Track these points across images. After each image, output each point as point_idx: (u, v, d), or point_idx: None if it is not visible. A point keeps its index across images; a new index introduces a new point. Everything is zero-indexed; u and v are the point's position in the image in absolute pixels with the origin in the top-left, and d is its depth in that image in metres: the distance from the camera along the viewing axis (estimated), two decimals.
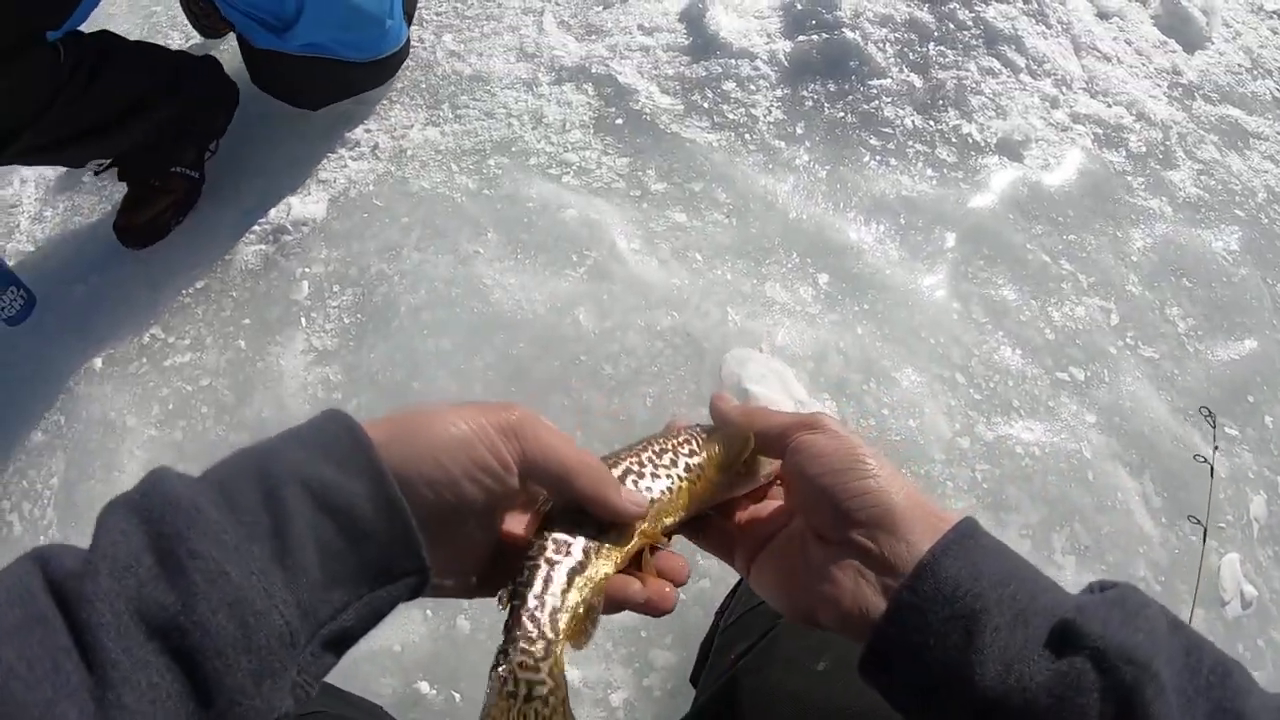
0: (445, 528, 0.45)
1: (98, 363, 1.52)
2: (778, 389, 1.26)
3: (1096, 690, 0.39)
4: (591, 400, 1.28)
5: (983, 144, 1.62)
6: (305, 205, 1.62)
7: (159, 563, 0.36)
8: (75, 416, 1.49)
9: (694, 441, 0.55)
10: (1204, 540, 1.22)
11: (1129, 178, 1.67)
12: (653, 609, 0.50)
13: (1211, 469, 1.26)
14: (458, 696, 1.19)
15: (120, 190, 1.67)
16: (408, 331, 1.40)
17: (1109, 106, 1.75)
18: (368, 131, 1.70)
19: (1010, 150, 1.63)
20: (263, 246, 1.62)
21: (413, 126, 1.67)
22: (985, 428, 1.36)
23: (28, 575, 0.36)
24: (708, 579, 1.21)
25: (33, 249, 1.75)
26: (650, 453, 0.54)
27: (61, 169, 1.86)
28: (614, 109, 1.61)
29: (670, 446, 0.54)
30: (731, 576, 1.20)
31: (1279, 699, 0.40)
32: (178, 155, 1.62)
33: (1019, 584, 0.43)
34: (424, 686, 1.19)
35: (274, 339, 1.51)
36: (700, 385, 1.28)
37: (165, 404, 1.48)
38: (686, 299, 1.33)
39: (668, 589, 0.50)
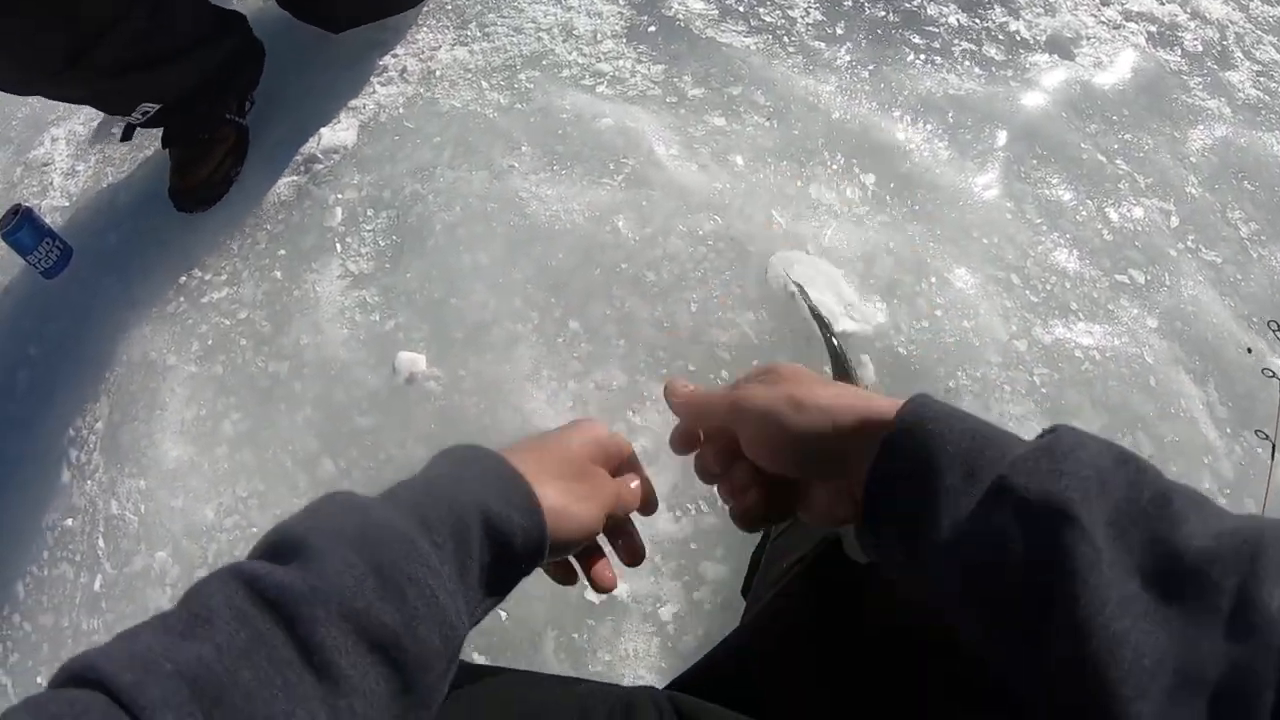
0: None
1: (135, 305, 1.50)
2: (827, 291, 1.19)
3: (1021, 542, 0.40)
4: (635, 308, 1.23)
5: (1031, 42, 1.53)
6: (335, 133, 1.57)
7: (382, 586, 0.41)
8: (116, 360, 1.47)
9: None
10: (1272, 456, 1.14)
11: (1185, 78, 1.57)
12: None
13: None
14: (498, 611, 1.16)
15: (151, 143, 1.63)
16: (443, 249, 1.35)
17: (1162, 4, 1.64)
18: (395, 57, 1.63)
19: (1060, 48, 1.54)
20: (295, 178, 1.58)
21: (440, 48, 1.60)
22: (1043, 330, 1.29)
23: (236, 596, 0.39)
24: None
25: (67, 203, 1.73)
26: None
27: (93, 124, 1.83)
28: (646, 17, 1.53)
29: None
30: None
31: (1216, 522, 0.38)
32: (224, 104, 1.56)
33: (970, 442, 0.44)
34: None
35: (309, 267, 1.47)
36: (745, 289, 1.22)
37: (204, 340, 1.45)
38: (729, 203, 1.26)
39: None
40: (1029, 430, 0.46)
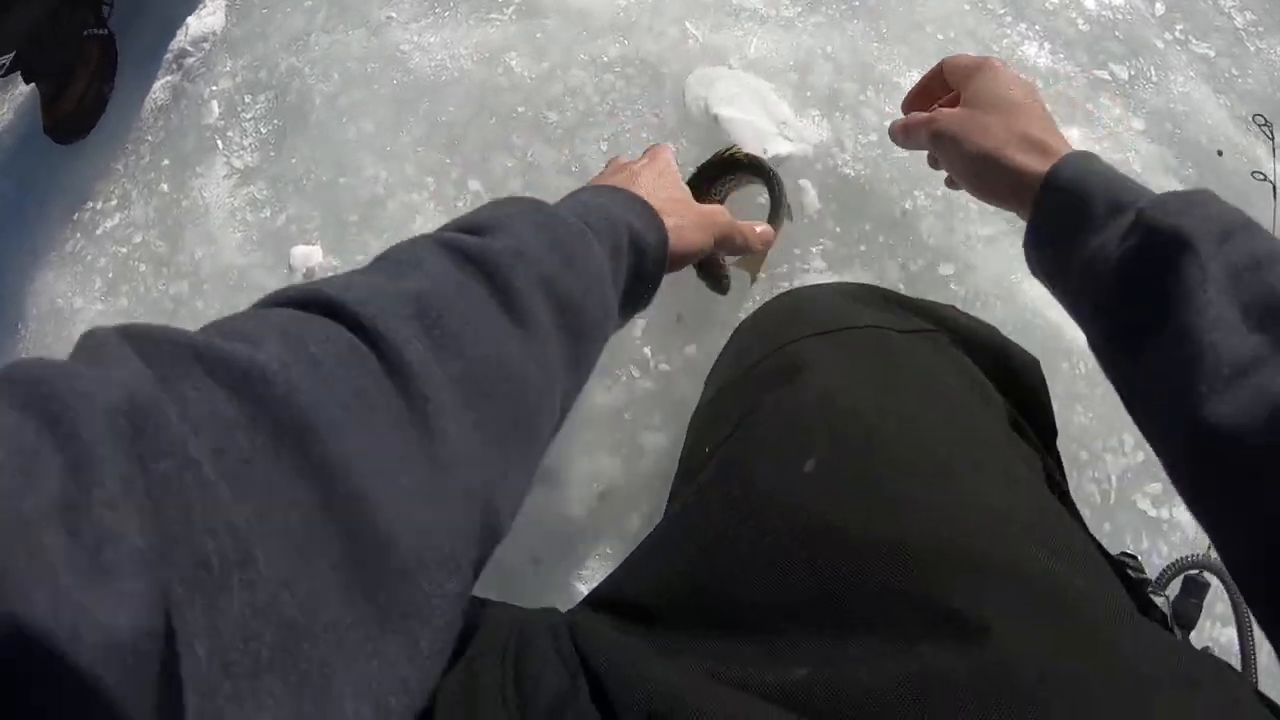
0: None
1: (36, 253, 1.38)
2: (754, 109, 1.02)
3: (1143, 261, 0.48)
4: (540, 155, 1.06)
5: None
6: (202, 20, 1.39)
7: (563, 262, 0.44)
8: (27, 316, 1.36)
9: None
10: None
11: None
12: None
13: (1274, 189, 1.00)
14: None
15: (17, 82, 1.48)
16: (326, 125, 1.18)
17: None
18: None
19: None
20: (169, 78, 1.41)
21: None
22: None
23: (438, 251, 0.40)
24: (694, 344, 1.01)
25: None
26: None
27: None
28: None
29: None
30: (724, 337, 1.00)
31: None
32: (79, 21, 1.40)
33: (1117, 183, 0.53)
34: None
35: (194, 172, 1.32)
36: (662, 116, 1.04)
37: (105, 274, 1.33)
38: (635, 20, 1.08)
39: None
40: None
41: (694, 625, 0.46)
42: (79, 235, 1.38)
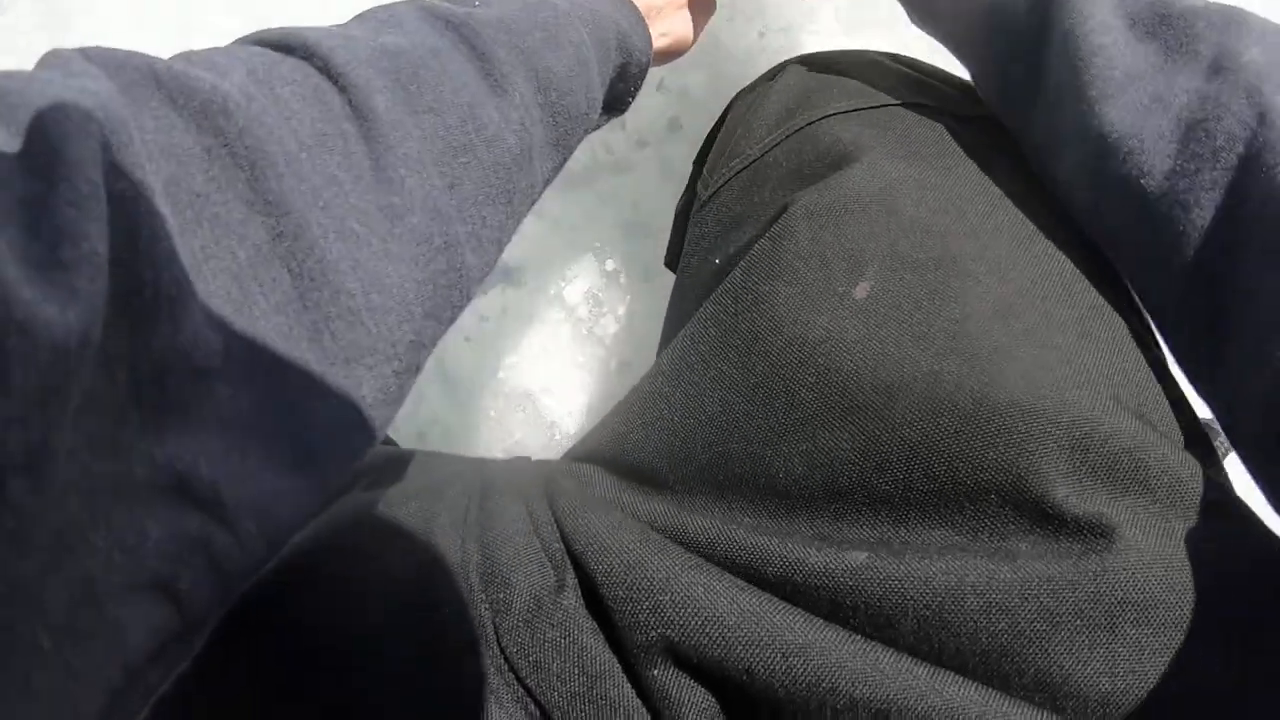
0: None
1: None
2: None
3: None
4: None
5: None
6: None
7: (545, 39, 0.40)
8: None
9: None
10: None
11: None
12: None
13: None
14: None
15: None
16: None
17: None
18: None
19: None
20: None
21: None
22: None
23: (419, 12, 0.38)
24: (670, 96, 0.84)
25: None
26: None
27: None
28: None
29: None
30: (708, 106, 0.82)
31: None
32: None
33: None
34: None
35: None
36: None
37: None
38: None
39: None
40: None
41: (712, 498, 0.36)
42: None
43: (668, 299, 0.87)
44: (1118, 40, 0.39)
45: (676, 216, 0.72)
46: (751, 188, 0.50)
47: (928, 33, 0.54)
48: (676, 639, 0.31)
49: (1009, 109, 0.46)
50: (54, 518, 0.20)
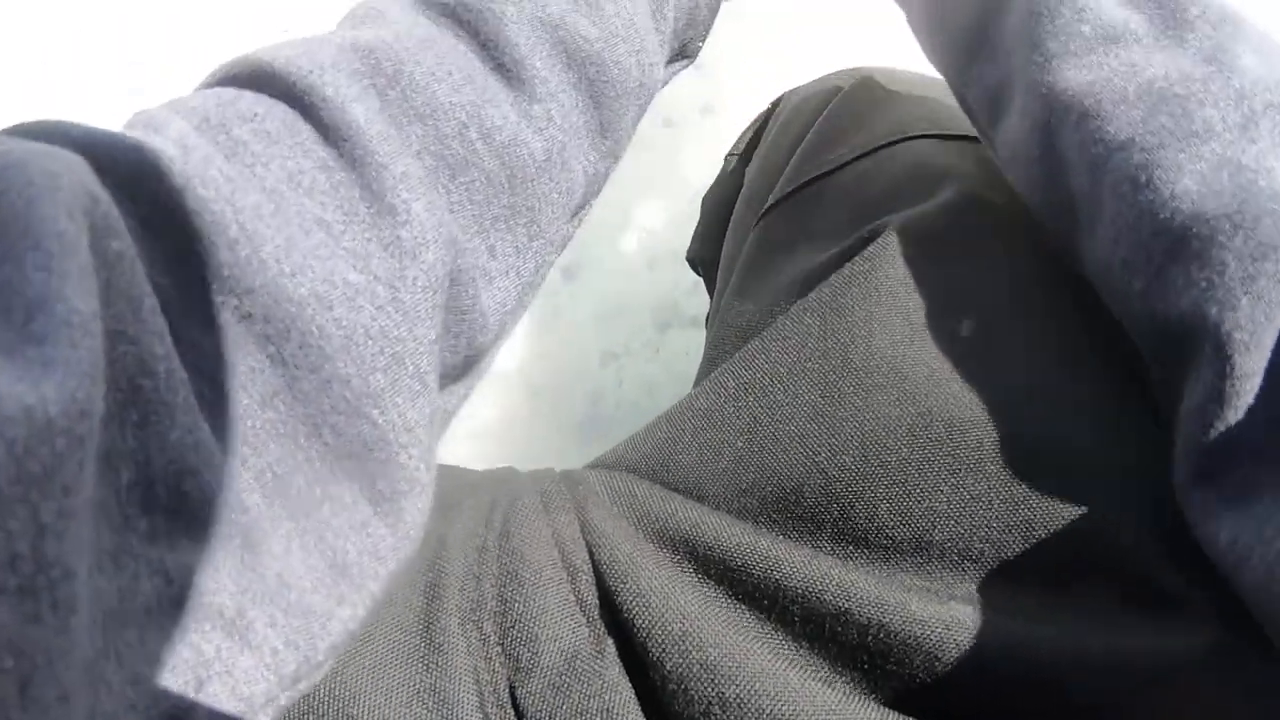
0: None
1: None
2: None
3: None
4: None
5: None
6: None
7: (575, 1, 0.32)
8: None
9: None
10: None
11: None
12: None
13: None
14: None
15: None
16: None
17: None
18: None
19: None
20: None
21: None
22: None
23: (408, 4, 0.31)
24: (695, 80, 0.80)
25: None
26: None
27: None
28: None
29: None
30: (746, 102, 0.78)
31: None
32: None
33: None
34: None
35: None
36: None
37: None
38: None
39: None
40: None
41: (778, 534, 0.32)
42: None
43: (667, 291, 0.82)
44: None
45: (709, 210, 0.67)
46: (827, 199, 0.46)
47: None
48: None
49: (951, 55, 0.41)
50: (56, 648, 0.15)
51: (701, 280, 0.72)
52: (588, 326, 0.82)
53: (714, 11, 0.43)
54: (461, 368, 0.30)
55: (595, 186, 0.36)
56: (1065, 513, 0.30)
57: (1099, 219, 0.32)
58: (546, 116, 0.31)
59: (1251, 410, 0.25)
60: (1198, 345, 0.27)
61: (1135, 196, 0.29)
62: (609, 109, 0.34)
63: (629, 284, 0.82)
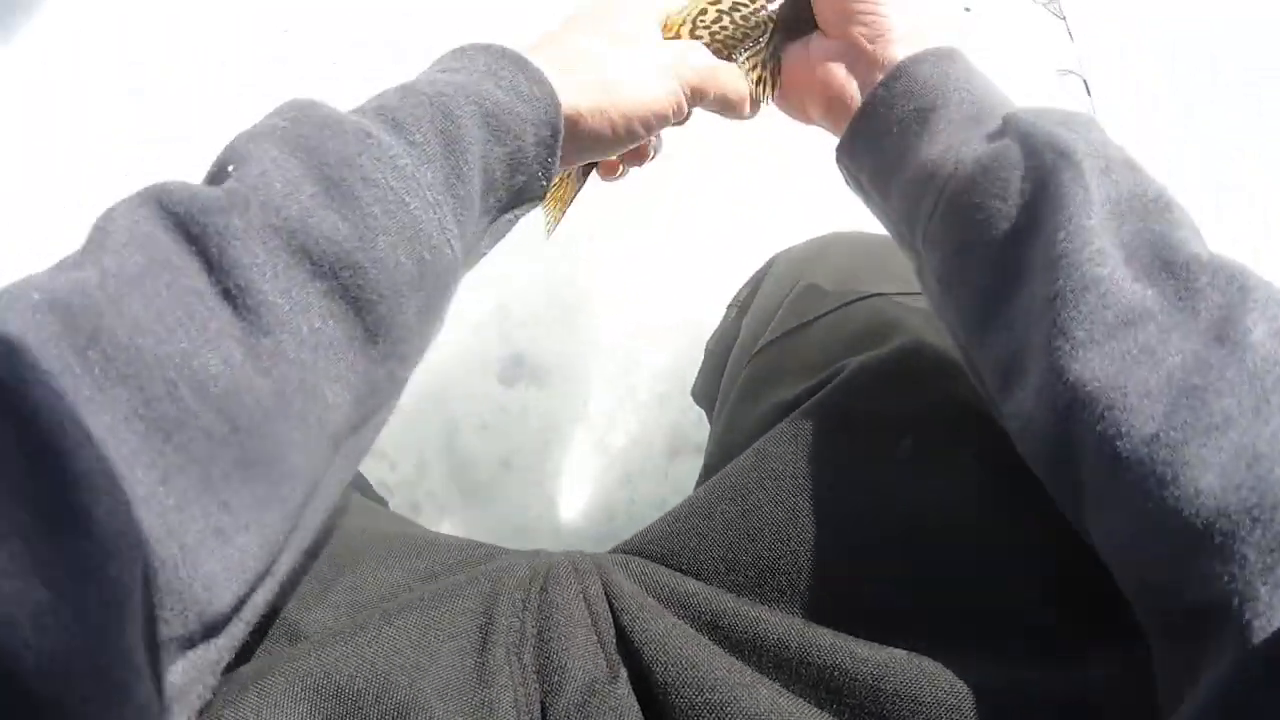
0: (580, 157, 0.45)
1: None
2: None
3: (1019, 168, 0.38)
4: None
5: None
6: None
7: (325, 191, 0.30)
8: None
9: None
10: None
11: None
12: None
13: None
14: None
15: None
16: None
17: None
18: None
19: None
20: None
21: None
22: None
23: (143, 217, 0.28)
24: (710, 261, 0.92)
25: None
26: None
27: None
28: None
29: None
30: (747, 261, 0.91)
31: (1209, 247, 0.35)
32: None
33: (982, 93, 0.43)
34: None
35: None
36: None
37: None
38: None
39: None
40: None
41: (773, 604, 0.40)
42: None
43: (675, 420, 0.92)
44: (1115, 274, 0.34)
45: (712, 352, 0.78)
46: (803, 345, 0.56)
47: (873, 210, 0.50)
48: None
49: (959, 316, 0.41)
50: None
51: (704, 413, 0.82)
52: (607, 453, 0.91)
53: (550, 149, 0.40)
54: (201, 633, 0.27)
55: (380, 396, 0.33)
56: (975, 580, 0.38)
57: (1111, 505, 0.32)
58: (276, 350, 0.28)
59: (1270, 692, 0.26)
60: (1216, 630, 0.28)
61: (1160, 493, 0.30)
62: (375, 312, 0.31)
63: (644, 417, 0.91)
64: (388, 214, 0.32)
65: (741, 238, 0.94)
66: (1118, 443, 0.31)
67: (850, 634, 0.36)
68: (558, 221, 0.53)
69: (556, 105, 0.39)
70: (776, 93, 0.52)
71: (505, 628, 0.38)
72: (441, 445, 0.89)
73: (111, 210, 0.29)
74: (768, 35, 0.51)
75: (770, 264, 0.74)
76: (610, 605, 0.39)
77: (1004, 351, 0.38)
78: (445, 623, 0.37)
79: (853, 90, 0.47)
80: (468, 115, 0.36)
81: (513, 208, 0.40)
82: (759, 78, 0.51)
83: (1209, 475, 0.29)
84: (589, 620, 0.39)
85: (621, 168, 0.54)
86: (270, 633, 0.37)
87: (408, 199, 0.32)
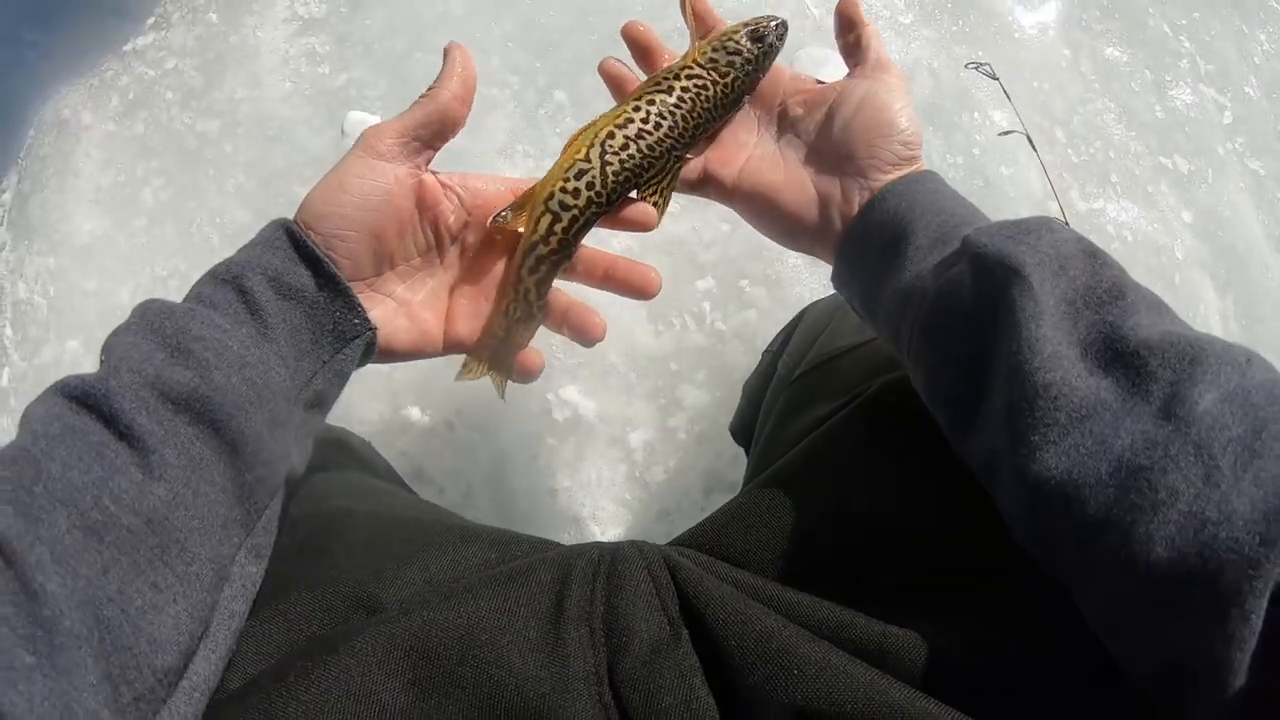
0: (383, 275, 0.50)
1: (50, 57, 1.21)
2: None
3: (974, 290, 0.41)
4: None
5: None
6: None
7: (170, 354, 0.40)
8: (26, 122, 1.19)
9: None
10: None
11: None
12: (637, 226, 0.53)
13: None
14: (455, 423, 0.96)
15: None
16: None
17: None
18: None
19: None
20: None
21: None
22: (1079, 196, 1.13)
23: (51, 403, 0.38)
24: (754, 309, 0.98)
25: None
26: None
27: None
28: None
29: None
30: (783, 311, 0.97)
31: (1166, 324, 0.37)
32: None
33: (948, 215, 0.47)
34: (414, 412, 0.97)
35: (250, 8, 1.20)
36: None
37: (125, 94, 1.16)
38: None
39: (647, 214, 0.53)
40: None
41: (790, 583, 0.44)
42: (104, 48, 1.22)
43: (711, 460, 0.96)
44: (1067, 376, 0.36)
45: (747, 391, 0.83)
46: (835, 372, 0.61)
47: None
48: (783, 684, 0.36)
49: (943, 420, 0.44)
50: None
51: (741, 451, 0.86)
52: (646, 489, 0.94)
53: (343, 377, 0.48)
54: (158, 687, 0.35)
55: (257, 498, 0.41)
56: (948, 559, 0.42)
57: (1085, 583, 0.35)
58: (163, 462, 0.37)
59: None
60: (1190, 677, 0.31)
61: (1118, 571, 0.32)
62: (229, 427, 0.39)
63: (681, 455, 0.95)
64: (215, 354, 0.41)
65: (777, 291, 1.00)
66: (1076, 533, 0.34)
67: (864, 610, 0.40)
68: (503, 385, 0.54)
69: (325, 265, 0.46)
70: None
71: (577, 596, 0.42)
72: (489, 474, 0.93)
73: (30, 405, 0.39)
74: (671, 171, 0.53)
75: (802, 314, 0.80)
76: (672, 576, 0.43)
77: (980, 457, 0.41)
78: (523, 594, 0.42)
79: (836, 223, 0.51)
80: (259, 283, 0.44)
81: (341, 347, 0.47)
82: (655, 204, 0.53)
83: (1158, 549, 0.31)
84: (653, 590, 0.43)
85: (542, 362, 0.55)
86: (348, 605, 0.43)
87: (228, 342, 0.41)
